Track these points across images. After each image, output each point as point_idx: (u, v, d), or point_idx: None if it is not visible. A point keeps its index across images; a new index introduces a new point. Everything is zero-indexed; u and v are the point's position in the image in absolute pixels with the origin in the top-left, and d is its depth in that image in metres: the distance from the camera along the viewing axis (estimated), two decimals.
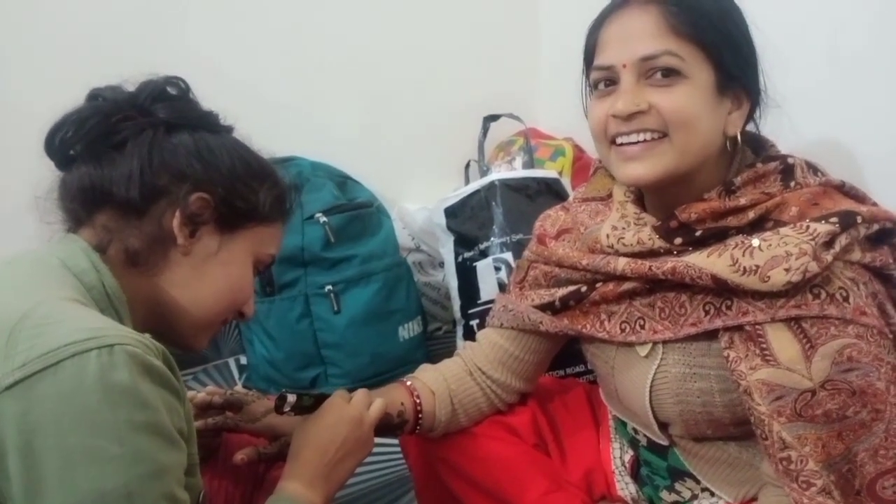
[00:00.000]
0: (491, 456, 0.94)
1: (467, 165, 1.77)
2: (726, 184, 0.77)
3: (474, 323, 1.44)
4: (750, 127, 0.83)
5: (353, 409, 0.80)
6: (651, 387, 0.82)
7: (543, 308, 0.91)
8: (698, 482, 0.87)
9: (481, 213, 1.46)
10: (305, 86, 1.69)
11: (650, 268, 0.77)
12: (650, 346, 0.82)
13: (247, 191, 0.71)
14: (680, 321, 0.78)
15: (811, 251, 0.69)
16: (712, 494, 0.86)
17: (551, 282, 0.92)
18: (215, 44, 1.57)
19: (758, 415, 0.71)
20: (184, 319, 0.70)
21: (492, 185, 1.46)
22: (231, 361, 1.75)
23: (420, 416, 0.91)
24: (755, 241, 0.72)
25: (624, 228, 0.83)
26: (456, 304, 1.53)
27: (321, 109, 1.72)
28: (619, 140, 0.77)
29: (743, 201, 0.75)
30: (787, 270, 0.69)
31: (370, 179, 1.71)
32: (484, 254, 1.44)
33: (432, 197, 1.66)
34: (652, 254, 0.79)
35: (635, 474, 0.95)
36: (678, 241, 0.78)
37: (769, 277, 0.70)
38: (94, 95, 0.69)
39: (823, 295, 0.70)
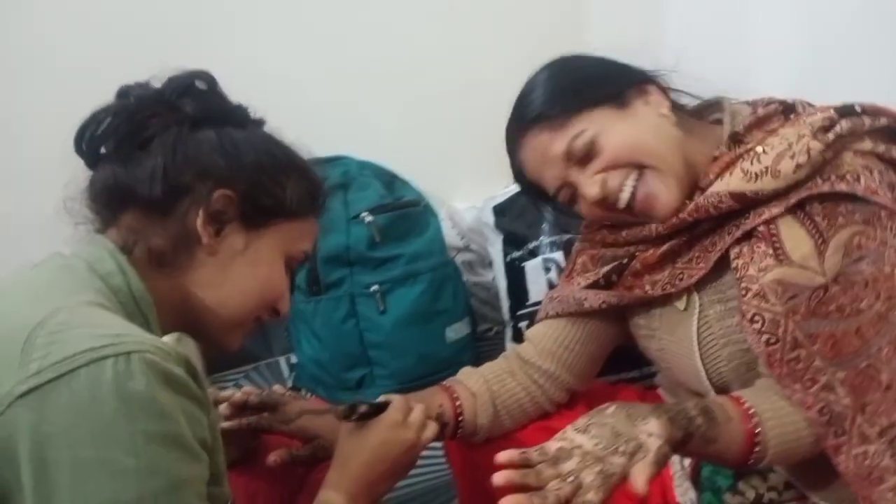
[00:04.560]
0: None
1: None
2: (732, 135, 0.80)
3: (523, 325, 1.40)
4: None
5: (409, 431, 0.77)
6: (698, 339, 0.81)
7: (589, 288, 0.89)
8: (765, 479, 0.82)
9: (530, 212, 1.42)
10: (353, 85, 1.68)
11: (678, 218, 0.79)
12: (686, 297, 0.82)
13: (273, 186, 0.69)
14: (711, 256, 0.79)
15: (810, 133, 0.74)
16: (779, 494, 0.81)
17: (598, 263, 0.91)
18: (261, 45, 1.58)
19: (772, 316, 0.72)
20: (213, 320, 0.68)
21: None
22: (282, 360, 1.77)
23: (461, 419, 0.88)
24: (759, 149, 0.76)
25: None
26: (505, 304, 1.49)
27: (369, 108, 1.71)
28: (620, 205, 0.80)
29: (752, 144, 0.77)
30: (792, 157, 0.73)
31: (418, 178, 1.69)
32: (533, 253, 1.40)
33: (482, 195, 1.63)
34: (678, 210, 0.81)
35: (696, 479, 0.90)
36: (697, 193, 0.81)
37: (779, 171, 0.74)
38: (124, 93, 0.69)
39: (833, 177, 0.73)
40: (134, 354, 0.50)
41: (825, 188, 0.73)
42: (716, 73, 0.89)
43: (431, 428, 0.79)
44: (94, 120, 0.66)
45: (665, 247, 0.82)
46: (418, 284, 1.46)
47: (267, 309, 0.73)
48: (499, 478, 0.60)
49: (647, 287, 0.85)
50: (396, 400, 0.78)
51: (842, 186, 0.72)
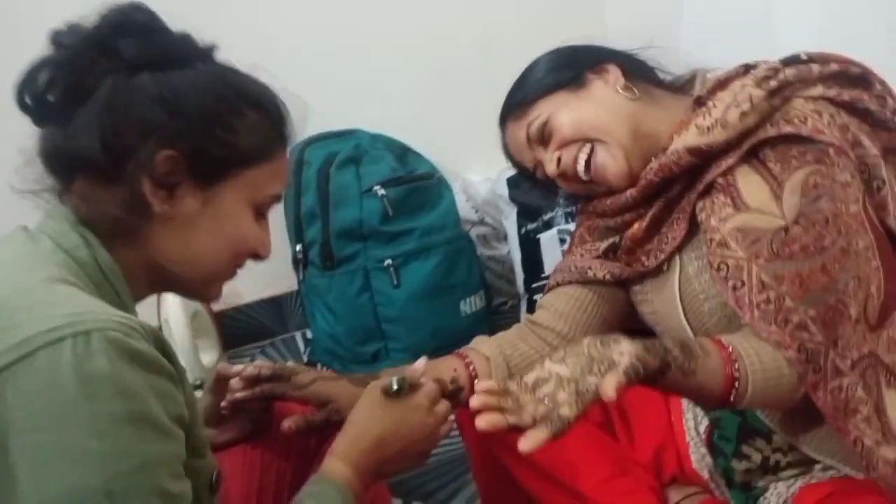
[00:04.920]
0: None
1: None
2: (696, 100, 0.83)
3: (538, 297, 1.37)
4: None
5: (431, 417, 0.74)
6: (681, 296, 0.84)
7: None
8: (769, 440, 0.82)
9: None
10: (365, 57, 1.66)
11: (646, 179, 0.83)
12: (667, 259, 0.85)
13: (223, 133, 0.61)
14: (687, 216, 0.83)
15: (753, 83, 0.79)
16: (785, 455, 0.81)
17: (595, 235, 0.95)
18: (273, 17, 1.56)
19: (735, 262, 0.74)
20: (185, 281, 0.65)
21: None
22: (298, 335, 1.78)
23: (475, 383, 0.87)
24: (710, 104, 0.81)
25: None
26: (519, 277, 1.48)
27: (382, 81, 1.69)
28: (581, 177, 0.86)
29: (712, 103, 0.81)
30: (737, 106, 0.78)
31: (432, 151, 1.67)
32: (548, 225, 1.38)
33: (497, 167, 1.61)
34: (646, 173, 0.85)
35: (711, 445, 0.89)
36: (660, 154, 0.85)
37: (727, 121, 0.78)
38: (55, 39, 0.60)
39: (781, 123, 0.77)
40: (94, 332, 0.47)
41: (772, 132, 0.77)
42: (737, 51, 0.91)
43: (448, 425, 0.77)
44: (31, 76, 0.59)
45: (647, 218, 0.85)
46: (432, 258, 1.45)
47: (244, 258, 0.68)
48: (475, 401, 0.61)
49: (643, 259, 0.88)
50: (429, 387, 0.76)
51: (788, 129, 0.76)
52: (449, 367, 0.86)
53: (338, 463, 0.70)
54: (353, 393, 0.77)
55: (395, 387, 0.73)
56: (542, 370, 0.65)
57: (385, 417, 0.72)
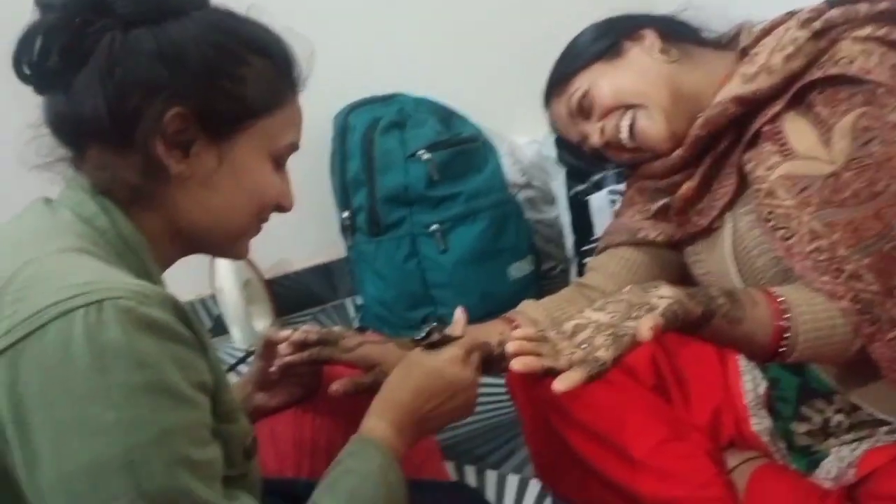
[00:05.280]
0: (603, 401, 0.87)
1: None
2: (741, 51, 0.82)
3: (588, 261, 1.35)
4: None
5: (467, 370, 0.73)
6: (733, 253, 0.82)
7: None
8: (830, 401, 0.79)
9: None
10: (406, 20, 1.63)
11: (692, 136, 0.82)
12: (718, 217, 0.83)
13: (230, 84, 0.59)
14: (737, 170, 0.81)
15: (796, 25, 0.77)
16: (847, 416, 0.78)
17: (645, 196, 0.93)
18: None
19: (784, 211, 0.72)
20: (211, 239, 0.64)
21: None
22: (348, 301, 1.79)
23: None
24: (754, 51, 0.80)
25: None
26: (569, 241, 1.45)
27: (425, 44, 1.66)
28: (626, 145, 0.86)
29: (756, 51, 0.79)
30: (781, 50, 0.76)
31: (477, 114, 1.63)
32: (598, 186, 1.34)
33: (543, 129, 1.56)
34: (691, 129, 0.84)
35: (771, 407, 0.87)
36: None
37: (771, 66, 0.76)
38: (43, 5, 0.58)
39: (828, 65, 0.74)
40: (106, 302, 0.46)
41: (819, 75, 0.74)
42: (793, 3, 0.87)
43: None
44: (26, 43, 0.57)
45: (697, 176, 0.84)
46: (479, 222, 1.43)
47: (268, 211, 0.67)
48: (511, 345, 0.60)
49: (695, 219, 0.86)
50: (467, 338, 0.76)
51: (834, 70, 0.73)
52: (496, 330, 0.84)
53: (376, 420, 0.69)
54: (399, 356, 0.77)
55: (422, 335, 0.73)
56: (581, 317, 0.64)
57: (419, 372, 0.71)
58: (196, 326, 0.53)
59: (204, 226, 0.63)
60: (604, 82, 0.86)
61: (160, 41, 0.57)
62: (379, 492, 0.63)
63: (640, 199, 0.94)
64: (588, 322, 0.63)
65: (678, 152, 0.84)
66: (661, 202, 0.89)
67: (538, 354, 0.60)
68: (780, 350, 0.68)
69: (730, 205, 0.82)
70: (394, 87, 1.59)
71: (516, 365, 0.59)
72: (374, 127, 1.46)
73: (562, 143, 1.45)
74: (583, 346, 0.60)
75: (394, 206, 1.43)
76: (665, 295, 0.63)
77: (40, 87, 0.60)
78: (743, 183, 0.80)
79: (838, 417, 0.79)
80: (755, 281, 0.80)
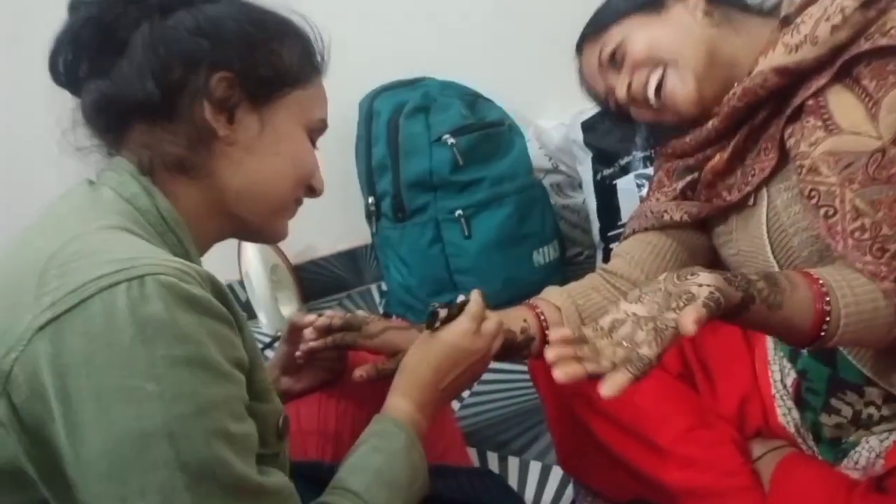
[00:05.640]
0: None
1: None
2: (783, 19, 0.79)
3: (615, 246, 1.34)
4: None
5: (480, 340, 0.75)
6: (768, 232, 0.79)
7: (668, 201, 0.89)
8: (861, 394, 0.77)
9: (622, 126, 1.32)
10: (433, 3, 1.61)
11: (729, 106, 0.79)
12: (755, 193, 0.81)
13: (268, 55, 0.63)
14: (777, 145, 0.78)
15: None
16: (878, 409, 0.76)
17: (674, 177, 0.90)
18: None
19: (827, 188, 0.69)
20: (253, 212, 0.66)
21: None
22: (373, 287, 1.80)
23: (547, 332, 0.85)
24: (798, 20, 0.76)
25: None
26: (595, 226, 1.43)
27: (451, 28, 1.64)
28: (652, 103, 0.84)
29: (800, 20, 0.76)
30: (827, 20, 0.73)
31: (503, 97, 1.62)
32: (625, 170, 1.32)
33: (570, 112, 1.54)
34: (728, 100, 0.81)
35: (798, 399, 0.85)
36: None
37: (817, 37, 0.73)
38: (74, 5, 0.62)
39: (877, 35, 0.71)
40: (148, 277, 0.48)
41: (867, 47, 0.71)
42: None
43: (500, 340, 0.77)
44: (61, 43, 0.61)
45: (730, 148, 0.81)
46: (504, 208, 1.42)
47: (303, 187, 0.69)
48: (550, 353, 0.57)
49: (725, 194, 0.83)
50: (472, 307, 0.76)
51: (883, 42, 0.70)
52: (519, 317, 0.84)
53: (399, 400, 0.71)
54: None
55: (427, 319, 0.74)
56: (618, 311, 0.61)
57: (437, 349, 0.73)
58: (233, 305, 0.55)
59: (246, 197, 0.65)
60: (640, 35, 0.84)
61: (198, 18, 0.61)
62: (404, 470, 0.65)
63: (668, 181, 0.92)
64: (626, 316, 0.60)
65: (713, 123, 0.81)
66: (688, 178, 0.87)
67: (579, 359, 0.57)
68: (821, 335, 0.65)
69: (766, 180, 0.79)
70: (420, 71, 1.58)
71: (558, 375, 0.55)
72: (400, 111, 1.45)
73: (589, 126, 1.44)
74: (624, 344, 0.57)
75: (418, 192, 1.43)
76: (704, 282, 0.60)
77: (77, 83, 0.62)
78: (783, 158, 0.77)
79: (869, 410, 0.77)
80: (789, 261, 0.77)
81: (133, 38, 0.60)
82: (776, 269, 0.79)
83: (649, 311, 0.59)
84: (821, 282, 0.65)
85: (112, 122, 0.62)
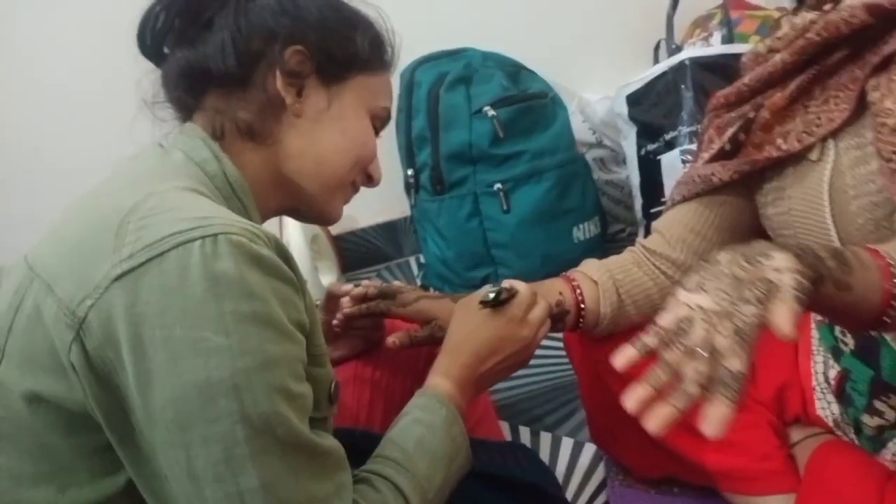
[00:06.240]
0: None
1: (657, 46, 1.57)
2: None
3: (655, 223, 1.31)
4: None
5: (526, 328, 0.75)
6: (830, 190, 0.71)
7: (714, 159, 0.81)
8: None
9: (668, 99, 1.29)
10: None
11: (805, 39, 0.71)
12: (820, 146, 0.72)
13: (342, 38, 0.67)
14: (852, 95, 0.69)
15: None
16: None
17: (723, 131, 0.82)
18: None
19: None
20: (312, 186, 0.68)
21: (681, 65, 1.28)
22: (412, 259, 1.81)
23: (582, 307, 0.84)
24: None
25: (779, 30, 0.75)
26: (638, 202, 1.40)
27: None
28: None
29: None
30: None
31: (547, 69, 1.59)
32: (670, 145, 1.28)
33: (616, 85, 1.51)
34: (805, 32, 0.72)
35: (840, 393, 0.82)
36: (828, 6, 0.70)
37: None
38: None
39: None
40: (221, 236, 0.50)
41: None
42: None
43: (546, 327, 0.77)
44: (150, 16, 0.66)
45: (793, 85, 0.73)
46: (544, 182, 1.40)
47: (361, 171, 0.72)
48: (629, 403, 0.49)
49: (780, 141, 0.75)
50: (522, 294, 0.75)
51: None
52: (554, 289, 0.83)
53: (440, 379, 0.72)
54: (453, 310, 0.77)
55: (491, 296, 0.73)
56: (679, 305, 0.51)
57: (481, 332, 0.73)
58: (297, 269, 0.56)
59: (307, 168, 0.67)
60: None
61: (281, 0, 0.65)
62: (444, 443, 0.66)
63: (719, 138, 0.83)
64: (690, 311, 0.51)
65: (782, 56, 0.73)
66: (741, 122, 0.78)
67: (657, 390, 0.48)
68: (885, 319, 0.59)
69: (834, 133, 0.72)
70: (464, 41, 1.56)
71: (653, 429, 0.47)
72: (440, 83, 1.44)
73: (634, 100, 1.40)
74: (702, 354, 0.48)
75: (457, 164, 1.42)
76: (782, 265, 0.51)
77: (161, 55, 0.67)
78: (858, 110, 0.69)
79: None
80: (846, 225, 0.72)
81: (219, 14, 0.64)
82: (833, 231, 0.73)
83: (719, 304, 0.50)
84: (889, 259, 0.60)
85: (193, 88, 0.66)
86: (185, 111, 0.67)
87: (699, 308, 0.50)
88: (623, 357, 0.51)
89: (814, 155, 0.74)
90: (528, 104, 1.42)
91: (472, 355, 0.72)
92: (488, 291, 0.74)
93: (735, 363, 0.47)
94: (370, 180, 0.73)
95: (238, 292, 0.49)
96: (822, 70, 0.72)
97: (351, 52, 0.67)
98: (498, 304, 0.74)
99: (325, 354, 0.62)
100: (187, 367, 0.48)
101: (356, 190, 0.73)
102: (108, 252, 0.50)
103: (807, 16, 0.71)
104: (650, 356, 0.50)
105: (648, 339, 0.51)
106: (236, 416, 0.49)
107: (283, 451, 0.51)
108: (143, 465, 0.52)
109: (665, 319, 0.51)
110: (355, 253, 1.79)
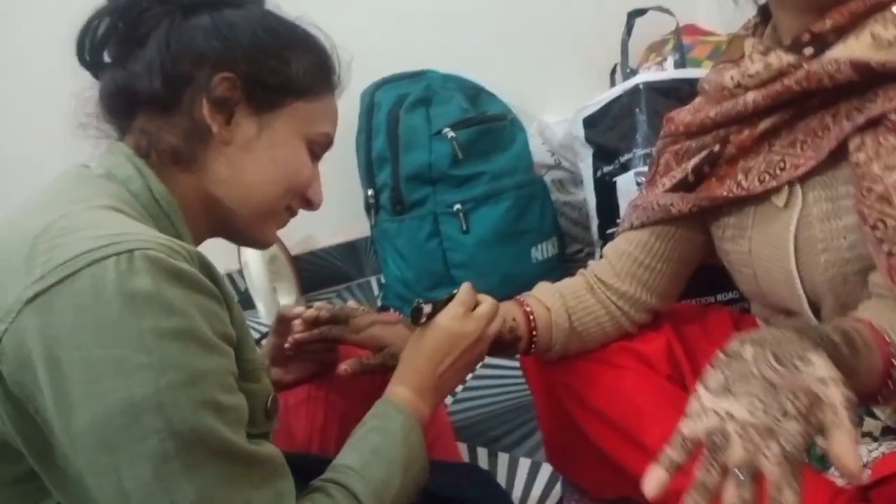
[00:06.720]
0: (617, 386, 0.85)
1: (613, 70, 1.60)
2: (876, 3, 0.64)
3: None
4: None
5: (472, 322, 0.75)
6: (797, 241, 0.71)
7: (676, 188, 0.80)
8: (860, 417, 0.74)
9: (623, 122, 1.31)
10: None
11: (783, 84, 0.67)
12: (787, 192, 0.71)
13: (276, 63, 0.65)
14: (823, 144, 0.67)
15: None
16: (874, 440, 0.74)
17: (682, 159, 0.81)
18: None
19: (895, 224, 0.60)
20: (241, 212, 0.66)
21: (636, 89, 1.30)
22: (373, 280, 1.80)
23: (534, 332, 0.84)
24: (894, 8, 0.63)
25: (749, 64, 0.71)
26: (594, 223, 1.42)
27: (455, 20, 1.63)
28: None
29: None
30: None
31: (507, 92, 1.61)
32: (625, 167, 1.30)
33: (576, 108, 1.53)
34: (782, 76, 0.68)
35: None
36: (808, 51, 0.67)
37: None
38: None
39: None
40: (136, 252, 0.48)
41: None
42: None
43: (496, 323, 0.77)
44: (90, 27, 0.64)
45: (762, 125, 0.71)
46: (502, 202, 1.42)
47: (296, 197, 0.70)
48: None
49: (741, 177, 0.74)
50: (461, 294, 0.76)
51: None
52: (508, 314, 0.82)
53: (397, 386, 0.72)
54: (408, 338, 0.77)
55: (411, 314, 0.73)
56: (707, 414, 0.45)
57: (429, 337, 0.74)
58: (221, 282, 0.55)
59: (235, 196, 0.66)
60: None
61: (216, 21, 0.64)
62: (400, 450, 0.66)
63: (677, 164, 0.82)
64: (721, 420, 0.45)
65: (754, 96, 0.70)
66: (704, 153, 0.76)
67: None
68: (878, 397, 0.58)
69: (800, 180, 0.70)
70: (424, 63, 1.58)
71: None
72: (400, 104, 1.45)
73: (591, 122, 1.43)
74: (743, 477, 0.42)
75: (417, 185, 1.43)
76: (826, 377, 0.45)
77: (99, 67, 0.65)
78: (828, 161, 0.67)
79: (865, 441, 0.74)
80: (812, 275, 0.71)
81: (154, 32, 0.63)
82: (797, 281, 0.72)
83: (755, 416, 0.44)
84: (888, 339, 0.58)
85: (121, 108, 0.64)
86: (118, 130, 0.66)
87: (729, 416, 0.44)
88: (653, 482, 0.46)
89: (780, 201, 0.72)
90: (488, 126, 1.44)
91: (426, 359, 0.73)
92: (408, 315, 0.75)
93: (789, 497, 0.41)
94: (309, 204, 0.71)
95: (157, 309, 0.48)
96: (796, 113, 0.70)
97: (284, 78, 0.65)
98: (429, 316, 0.74)
99: (259, 370, 0.61)
100: (109, 388, 0.47)
101: (293, 214, 0.72)
102: (19, 275, 0.49)
103: (784, 57, 0.68)
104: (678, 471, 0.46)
105: (674, 452, 0.46)
106: (164, 434, 0.48)
107: (218, 462, 0.50)
108: (71, 490, 0.51)
109: (691, 428, 0.46)
110: (315, 273, 1.78)
